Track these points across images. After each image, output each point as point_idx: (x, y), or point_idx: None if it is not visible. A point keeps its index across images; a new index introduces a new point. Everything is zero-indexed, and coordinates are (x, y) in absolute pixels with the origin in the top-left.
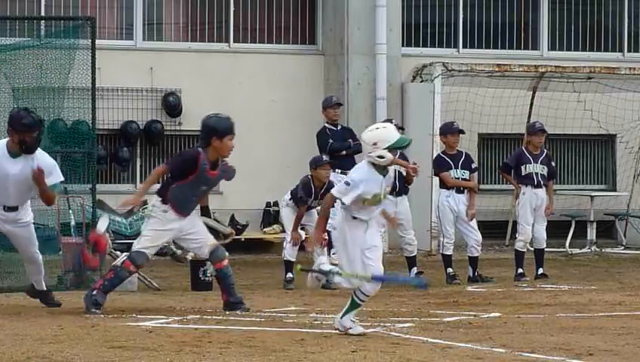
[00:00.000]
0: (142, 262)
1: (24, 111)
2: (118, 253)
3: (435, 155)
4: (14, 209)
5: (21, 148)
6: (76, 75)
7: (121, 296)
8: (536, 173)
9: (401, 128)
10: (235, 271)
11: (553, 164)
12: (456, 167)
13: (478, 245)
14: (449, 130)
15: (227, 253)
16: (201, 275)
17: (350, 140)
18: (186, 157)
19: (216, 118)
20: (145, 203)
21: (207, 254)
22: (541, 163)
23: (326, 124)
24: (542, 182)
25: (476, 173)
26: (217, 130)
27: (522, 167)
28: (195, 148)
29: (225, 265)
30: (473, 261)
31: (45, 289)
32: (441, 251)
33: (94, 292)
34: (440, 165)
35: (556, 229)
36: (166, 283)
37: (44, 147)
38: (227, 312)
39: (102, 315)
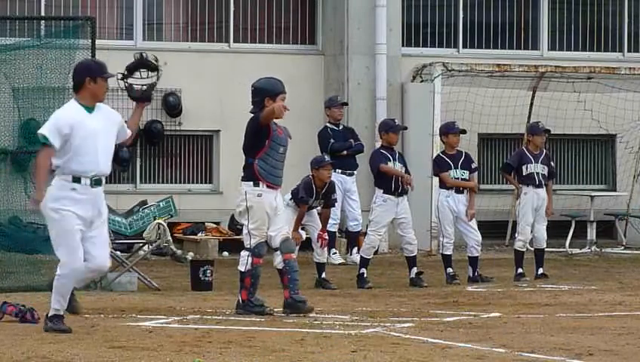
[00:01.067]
0: (264, 251)
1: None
2: (118, 252)
3: (433, 155)
4: (100, 183)
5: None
6: None
7: (120, 295)
8: (538, 173)
9: (404, 128)
10: (236, 271)
11: (553, 163)
12: (456, 167)
13: (478, 245)
14: (450, 130)
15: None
16: (201, 275)
17: (351, 140)
18: (254, 126)
19: (266, 79)
20: (144, 202)
21: (278, 243)
22: (541, 163)
23: (328, 124)
24: (543, 182)
25: (476, 174)
26: (269, 90)
27: (524, 167)
28: (253, 115)
29: (293, 258)
30: (473, 261)
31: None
32: (440, 251)
33: (247, 303)
34: (439, 165)
35: (556, 229)
36: (166, 284)
37: None
38: (286, 312)
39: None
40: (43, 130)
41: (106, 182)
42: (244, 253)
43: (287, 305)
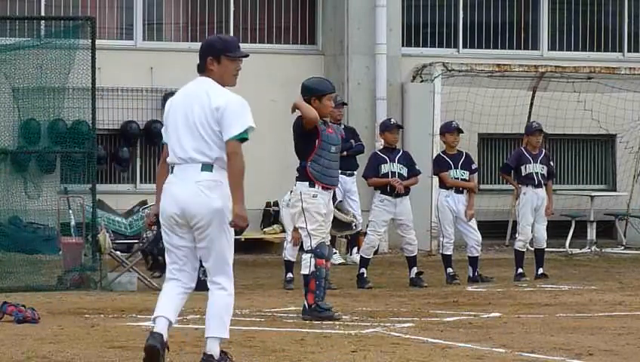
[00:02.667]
0: (329, 253)
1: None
2: (118, 252)
3: (433, 155)
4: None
5: None
6: (76, 75)
7: (120, 295)
8: (537, 173)
9: (399, 126)
10: (235, 272)
11: (552, 163)
12: (456, 167)
13: (477, 245)
14: (447, 129)
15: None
16: (201, 275)
17: (352, 141)
18: (299, 129)
19: (314, 79)
20: (144, 202)
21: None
22: (540, 162)
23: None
24: (542, 182)
25: (476, 175)
26: (315, 90)
27: (522, 167)
28: (297, 118)
29: (324, 265)
30: (473, 261)
31: None
32: (440, 251)
33: (315, 306)
34: (439, 165)
35: (556, 229)
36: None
37: (43, 147)
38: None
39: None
40: (250, 122)
41: (106, 182)
42: (305, 256)
43: (309, 311)
